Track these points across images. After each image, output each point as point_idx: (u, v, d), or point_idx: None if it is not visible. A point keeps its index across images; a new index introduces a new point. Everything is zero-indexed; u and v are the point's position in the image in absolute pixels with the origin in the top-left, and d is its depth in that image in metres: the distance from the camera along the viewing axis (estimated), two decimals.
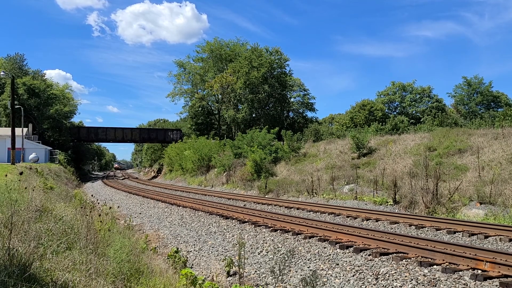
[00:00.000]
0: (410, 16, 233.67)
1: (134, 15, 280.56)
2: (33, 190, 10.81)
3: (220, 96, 58.88)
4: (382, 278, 6.95)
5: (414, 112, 48.10)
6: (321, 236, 10.22)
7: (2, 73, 34.61)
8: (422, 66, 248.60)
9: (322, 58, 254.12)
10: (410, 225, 12.17)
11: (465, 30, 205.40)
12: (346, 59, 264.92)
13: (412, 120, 44.46)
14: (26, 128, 49.54)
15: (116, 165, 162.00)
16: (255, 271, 8.10)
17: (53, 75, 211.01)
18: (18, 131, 40.04)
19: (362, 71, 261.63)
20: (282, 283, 7.09)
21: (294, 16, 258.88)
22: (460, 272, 6.84)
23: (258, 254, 9.41)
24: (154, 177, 69.68)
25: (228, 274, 8.06)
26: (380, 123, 38.17)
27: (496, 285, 6.24)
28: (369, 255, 8.32)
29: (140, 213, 18.04)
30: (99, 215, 9.99)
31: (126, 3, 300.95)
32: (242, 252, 7.63)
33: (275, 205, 18.96)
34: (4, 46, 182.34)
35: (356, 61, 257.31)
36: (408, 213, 15.50)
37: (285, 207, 18.00)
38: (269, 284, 7.33)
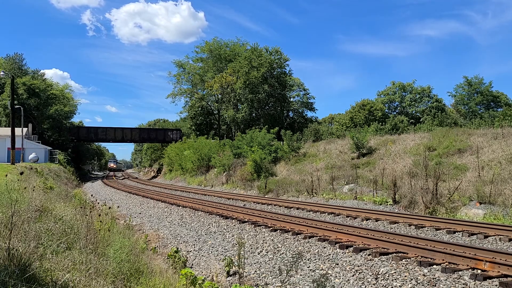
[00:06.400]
0: (412, 15, 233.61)
1: (129, 14, 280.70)
2: (33, 190, 10.82)
3: (219, 96, 58.88)
4: (382, 278, 6.96)
5: (413, 112, 48.11)
6: (321, 236, 10.22)
7: (2, 73, 34.63)
8: (424, 65, 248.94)
9: (324, 57, 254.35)
10: (409, 225, 12.17)
11: (468, 29, 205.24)
12: (348, 58, 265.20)
13: (412, 120, 44.46)
14: (26, 128, 49.53)
15: (112, 164, 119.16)
16: (255, 271, 8.11)
17: (50, 74, 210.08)
18: (18, 131, 40.04)
19: (364, 71, 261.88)
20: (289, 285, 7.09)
21: (296, 15, 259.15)
22: (459, 272, 6.85)
23: (258, 254, 9.41)
24: (154, 177, 69.70)
25: (228, 274, 8.06)
26: (380, 123, 38.17)
27: (496, 285, 6.25)
28: (368, 255, 8.33)
29: (140, 213, 18.04)
30: (99, 215, 9.98)
31: (122, 2, 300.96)
32: (242, 252, 7.63)
33: (275, 205, 18.97)
34: (0, 46, 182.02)
35: (358, 60, 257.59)
36: (408, 213, 15.51)
37: (285, 207, 18.00)
38: (269, 284, 7.34)
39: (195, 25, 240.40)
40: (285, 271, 6.76)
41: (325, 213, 15.61)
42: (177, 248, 9.25)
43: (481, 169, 17.77)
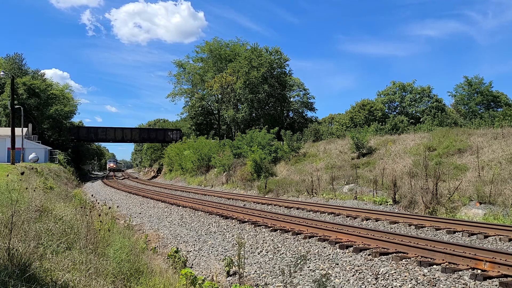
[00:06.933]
0: (413, 15, 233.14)
1: (129, 14, 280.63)
2: (34, 190, 10.82)
3: (219, 96, 58.89)
4: (382, 278, 6.96)
5: (413, 112, 48.12)
6: (321, 236, 10.22)
7: (2, 73, 34.63)
8: (424, 65, 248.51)
9: (324, 57, 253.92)
10: (409, 225, 12.17)
11: (468, 29, 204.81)
12: (348, 58, 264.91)
13: (412, 120, 44.47)
14: (26, 128, 49.53)
15: (112, 164, 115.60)
16: (255, 271, 8.11)
17: (50, 74, 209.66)
18: (18, 131, 40.04)
19: (364, 71, 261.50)
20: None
21: (296, 15, 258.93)
22: (459, 272, 6.85)
23: (258, 254, 9.41)
24: (154, 177, 69.69)
25: (228, 274, 8.06)
26: (380, 123, 38.17)
27: (496, 285, 6.25)
28: (368, 254, 8.33)
29: (140, 213, 18.04)
30: (99, 215, 9.98)
31: (121, 2, 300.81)
32: (242, 252, 7.63)
33: (275, 205, 18.97)
34: (0, 46, 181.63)
35: (358, 60, 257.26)
36: (408, 213, 15.51)
37: (285, 207, 18.01)
38: (269, 284, 7.34)
39: (195, 25, 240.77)
40: (288, 273, 6.76)
41: (325, 213, 15.61)
42: (177, 248, 9.25)
43: (481, 169, 17.77)
